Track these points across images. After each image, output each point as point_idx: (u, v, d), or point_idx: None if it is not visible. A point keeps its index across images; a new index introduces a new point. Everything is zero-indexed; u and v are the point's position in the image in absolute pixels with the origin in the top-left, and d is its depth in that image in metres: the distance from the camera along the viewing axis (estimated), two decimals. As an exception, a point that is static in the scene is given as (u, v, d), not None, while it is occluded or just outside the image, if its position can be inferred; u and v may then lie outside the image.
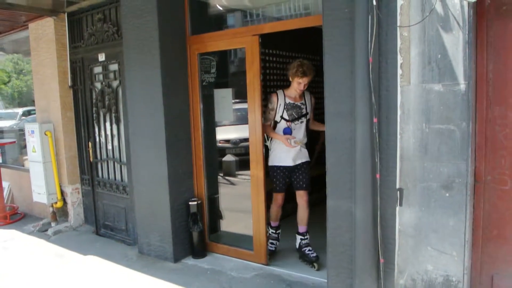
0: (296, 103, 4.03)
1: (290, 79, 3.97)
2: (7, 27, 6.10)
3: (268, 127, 4.07)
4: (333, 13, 2.98)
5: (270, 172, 4.11)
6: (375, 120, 2.71)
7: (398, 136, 2.78)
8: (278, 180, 4.10)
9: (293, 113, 4.02)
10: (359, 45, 2.72)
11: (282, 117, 4.01)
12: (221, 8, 4.50)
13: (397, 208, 2.83)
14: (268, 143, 4.12)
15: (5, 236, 5.48)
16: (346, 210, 3.02)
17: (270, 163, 4.11)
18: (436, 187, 2.66)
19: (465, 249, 2.61)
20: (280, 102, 4.00)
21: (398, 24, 2.72)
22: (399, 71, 2.74)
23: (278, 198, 4.15)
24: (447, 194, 2.62)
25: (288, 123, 4.00)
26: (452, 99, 2.56)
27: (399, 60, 2.74)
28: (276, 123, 4.05)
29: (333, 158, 3.09)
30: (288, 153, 4.02)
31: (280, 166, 4.07)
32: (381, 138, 2.80)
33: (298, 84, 3.91)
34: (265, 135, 4.01)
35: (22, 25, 5.88)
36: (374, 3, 2.64)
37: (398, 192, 2.80)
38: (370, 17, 2.66)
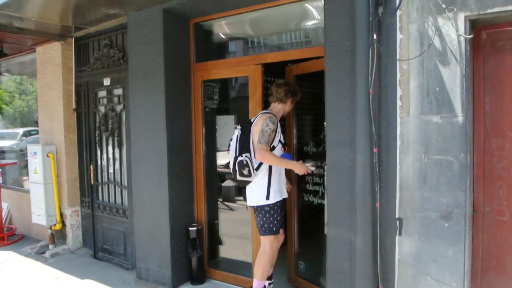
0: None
1: (282, 99, 3.60)
2: (15, 50, 6.22)
3: (272, 153, 3.43)
4: (334, 45, 3.07)
5: (271, 211, 3.48)
6: (375, 150, 2.76)
7: (398, 166, 2.83)
8: (279, 216, 3.55)
9: (284, 137, 3.67)
10: (360, 76, 2.79)
11: (280, 141, 3.54)
12: (225, 37, 4.61)
13: (397, 237, 2.85)
14: (251, 177, 3.43)
15: (2, 257, 5.44)
16: (346, 238, 3.04)
17: (273, 200, 3.47)
18: (435, 217, 2.69)
19: (464, 280, 2.62)
20: (278, 124, 3.54)
21: (398, 57, 2.81)
22: (399, 103, 2.81)
23: (280, 238, 3.70)
24: (446, 224, 2.65)
25: (282, 149, 3.57)
26: (450, 130, 2.61)
27: (399, 92, 2.81)
28: (271, 149, 3.46)
29: (333, 186, 3.13)
30: (284, 183, 3.67)
31: (282, 200, 3.58)
32: (381, 168, 2.84)
33: (291, 105, 3.68)
34: (247, 166, 3.40)
35: (30, 48, 6.00)
36: (375, 37, 2.73)
37: (398, 221, 2.83)
38: (370, 50, 2.74)
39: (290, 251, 4.16)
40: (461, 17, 2.55)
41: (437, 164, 2.68)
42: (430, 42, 2.66)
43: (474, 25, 2.68)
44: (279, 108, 3.64)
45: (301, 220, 4.13)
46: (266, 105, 3.88)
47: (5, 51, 6.24)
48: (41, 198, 5.51)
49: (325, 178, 3.19)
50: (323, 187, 3.75)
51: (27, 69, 6.98)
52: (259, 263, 3.57)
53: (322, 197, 3.76)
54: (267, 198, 3.46)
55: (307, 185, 3.92)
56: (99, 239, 5.36)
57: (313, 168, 3.63)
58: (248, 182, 3.49)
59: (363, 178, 2.79)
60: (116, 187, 5.17)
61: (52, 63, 5.59)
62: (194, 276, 4.37)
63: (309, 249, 4.12)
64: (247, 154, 3.42)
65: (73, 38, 5.47)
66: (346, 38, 2.99)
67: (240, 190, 3.77)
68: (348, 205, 2.99)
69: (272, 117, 3.44)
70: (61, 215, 5.62)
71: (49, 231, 5.61)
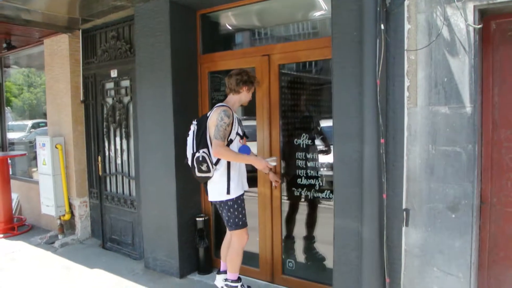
0: (238, 117, 3.56)
1: (235, 89, 3.48)
2: (22, 42, 6.25)
3: (229, 149, 3.31)
4: (342, 36, 3.06)
5: (235, 206, 3.40)
6: (382, 141, 2.76)
7: (405, 157, 2.82)
8: (244, 210, 3.48)
9: (242, 128, 3.53)
10: (367, 67, 2.78)
11: (237, 133, 3.42)
12: (231, 28, 4.60)
13: (403, 229, 2.85)
14: (211, 172, 3.33)
15: (13, 247, 5.52)
16: (353, 229, 3.05)
17: (235, 194, 3.38)
18: (442, 208, 2.69)
19: (471, 271, 2.62)
20: (234, 116, 3.40)
21: (406, 47, 2.79)
22: (406, 94, 2.80)
23: (245, 234, 3.53)
24: (453, 216, 2.65)
25: (240, 141, 3.45)
26: (458, 121, 2.60)
27: (406, 82, 2.80)
28: (228, 142, 3.36)
29: (340, 177, 3.14)
30: (245, 177, 3.57)
31: (244, 193, 3.51)
32: (388, 159, 2.84)
33: (248, 93, 3.54)
34: (205, 162, 3.29)
35: (37, 40, 6.03)
36: (382, 27, 2.71)
37: (405, 212, 2.83)
38: (378, 40, 2.72)
39: (276, 252, 4.05)
40: (470, 6, 2.53)
41: (445, 155, 2.67)
42: (439, 32, 2.64)
43: (484, 15, 2.66)
44: (235, 99, 3.51)
45: (290, 217, 4.07)
46: (281, 97, 3.87)
47: (13, 44, 6.27)
48: (50, 189, 5.57)
49: (333, 169, 3.18)
50: (320, 180, 3.74)
51: (35, 62, 7.01)
52: (228, 258, 3.55)
53: (319, 191, 3.75)
54: (228, 192, 3.36)
55: (299, 180, 3.86)
56: (108, 229, 5.42)
57: (274, 164, 3.45)
58: (209, 177, 3.38)
59: (370, 169, 2.80)
60: (124, 178, 5.21)
61: (59, 56, 5.61)
62: (201, 266, 4.40)
63: (301, 246, 4.06)
64: (205, 150, 3.31)
65: (80, 30, 5.48)
66: (353, 29, 2.98)
67: (248, 181, 3.72)
68: (355, 196, 3.00)
69: (226, 110, 3.29)
70: (70, 205, 5.68)
71: (58, 222, 5.67)
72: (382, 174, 2.78)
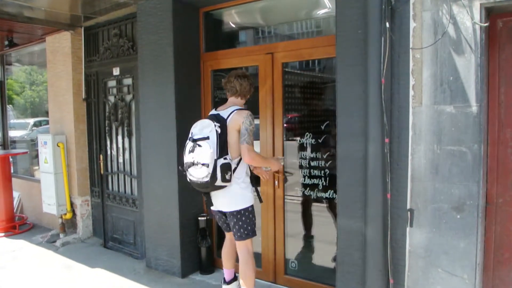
0: None
1: (248, 94, 3.39)
2: (25, 39, 6.24)
3: (259, 153, 3.26)
4: (346, 34, 3.03)
5: (252, 212, 3.26)
6: (386, 140, 2.73)
7: (409, 157, 2.80)
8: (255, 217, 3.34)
9: None
10: (372, 66, 2.76)
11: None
12: (235, 26, 4.57)
13: (408, 229, 2.82)
14: (231, 181, 3.11)
15: (14, 246, 5.51)
16: (356, 229, 3.03)
17: (251, 201, 3.24)
18: (447, 208, 2.66)
19: (476, 272, 2.59)
20: None
21: (411, 46, 2.76)
22: (411, 92, 2.77)
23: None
24: (458, 216, 2.62)
25: None
26: (463, 121, 2.57)
27: (411, 81, 2.77)
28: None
29: (344, 177, 3.11)
30: None
31: None
32: (392, 158, 2.81)
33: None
34: (229, 170, 3.06)
35: (39, 38, 6.02)
36: (387, 25, 2.69)
37: (409, 212, 2.80)
38: (383, 38, 2.70)
39: (278, 252, 4.02)
40: (476, 4, 2.50)
41: (450, 155, 2.64)
42: (444, 30, 2.61)
43: (490, 13, 2.63)
44: (241, 103, 3.35)
45: (292, 217, 4.03)
46: (285, 95, 3.84)
47: (15, 41, 6.26)
48: (52, 187, 5.56)
49: (336, 168, 3.16)
50: (324, 179, 3.71)
51: (37, 59, 7.02)
52: (245, 275, 3.25)
53: (323, 190, 3.71)
54: (247, 200, 3.21)
55: (302, 179, 3.83)
56: (109, 228, 5.40)
57: (283, 163, 3.63)
58: (225, 186, 3.12)
59: (374, 169, 2.77)
60: (126, 176, 5.19)
61: (61, 53, 5.59)
62: (203, 265, 4.38)
63: (303, 246, 4.03)
64: (227, 156, 3.07)
65: (83, 28, 5.46)
66: (358, 27, 2.96)
67: (251, 180, 3.64)
68: (359, 196, 2.98)
69: (252, 114, 3.14)
70: (72, 204, 5.67)
71: (60, 220, 5.66)
72: (386, 174, 2.75)
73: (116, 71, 5.11)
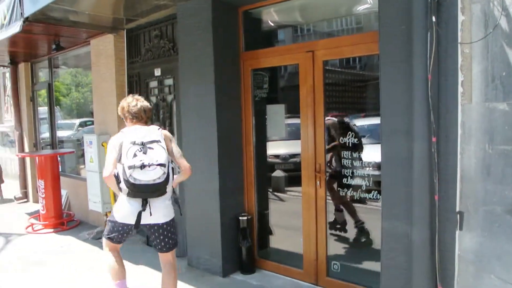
0: None
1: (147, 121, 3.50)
2: (70, 43, 6.46)
3: None
4: (389, 30, 2.94)
5: (174, 224, 3.35)
6: (434, 139, 2.62)
7: (458, 156, 2.66)
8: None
9: None
10: (417, 62, 2.65)
11: None
12: (274, 25, 4.54)
13: (457, 232, 2.69)
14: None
15: (63, 241, 5.74)
16: (402, 232, 2.92)
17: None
18: (500, 211, 2.51)
19: (532, 279, 2.44)
20: None
21: (459, 40, 2.63)
22: (460, 89, 2.64)
23: None
24: (513, 220, 2.47)
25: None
26: (518, 119, 2.42)
27: (460, 77, 2.64)
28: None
29: (388, 177, 3.02)
30: None
31: None
32: (439, 158, 2.69)
33: None
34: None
35: (84, 41, 6.22)
36: (434, 19, 2.57)
37: (458, 215, 2.67)
38: (429, 33, 2.58)
39: (320, 253, 3.95)
40: (532, -6, 2.34)
41: (503, 155, 2.49)
42: (496, 23, 2.47)
43: (547, 3, 2.46)
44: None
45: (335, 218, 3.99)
46: (326, 94, 3.77)
47: (62, 45, 6.48)
48: (97, 186, 5.73)
49: (381, 168, 3.07)
50: (368, 180, 3.61)
51: (82, 62, 7.25)
52: (176, 278, 3.41)
53: (366, 191, 3.61)
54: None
55: (344, 179, 3.75)
56: (152, 226, 5.49)
57: None
58: (165, 191, 3.15)
59: (420, 169, 2.67)
60: (167, 176, 5.26)
61: (105, 55, 5.75)
62: (244, 265, 4.38)
63: (346, 248, 3.97)
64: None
65: (125, 30, 5.59)
66: (401, 22, 2.85)
67: (291, 180, 3.63)
68: (404, 197, 2.87)
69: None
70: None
71: (105, 218, 5.82)
72: (433, 174, 2.64)
73: (157, 72, 5.20)
